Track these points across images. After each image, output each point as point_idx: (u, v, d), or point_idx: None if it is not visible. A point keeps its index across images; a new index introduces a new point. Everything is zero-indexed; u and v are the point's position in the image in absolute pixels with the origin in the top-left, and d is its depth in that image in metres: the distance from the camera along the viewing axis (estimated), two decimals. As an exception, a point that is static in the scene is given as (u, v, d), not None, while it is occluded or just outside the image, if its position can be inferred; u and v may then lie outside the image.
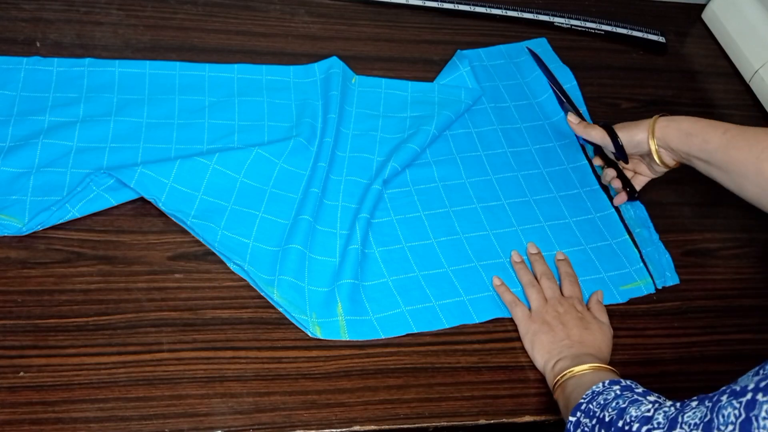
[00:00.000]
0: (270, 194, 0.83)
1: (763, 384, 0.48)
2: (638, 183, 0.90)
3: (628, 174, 0.91)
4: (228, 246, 0.77)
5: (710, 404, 0.52)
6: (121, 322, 0.71)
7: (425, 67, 1.01)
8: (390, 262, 0.81)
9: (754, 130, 0.75)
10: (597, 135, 0.87)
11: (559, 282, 0.82)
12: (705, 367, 0.81)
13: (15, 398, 0.65)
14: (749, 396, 0.48)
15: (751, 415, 0.48)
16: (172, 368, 0.70)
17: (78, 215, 0.76)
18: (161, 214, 0.79)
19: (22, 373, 0.67)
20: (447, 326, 0.78)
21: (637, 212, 0.91)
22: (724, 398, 0.51)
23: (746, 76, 1.11)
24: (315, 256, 0.79)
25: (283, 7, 1.03)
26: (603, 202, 0.91)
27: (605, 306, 0.81)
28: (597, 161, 0.94)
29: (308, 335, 0.74)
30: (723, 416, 0.50)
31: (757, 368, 0.53)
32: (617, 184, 0.90)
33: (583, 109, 1.00)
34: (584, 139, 0.91)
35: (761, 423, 0.47)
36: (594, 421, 0.62)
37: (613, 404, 0.61)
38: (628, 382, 0.65)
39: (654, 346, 0.81)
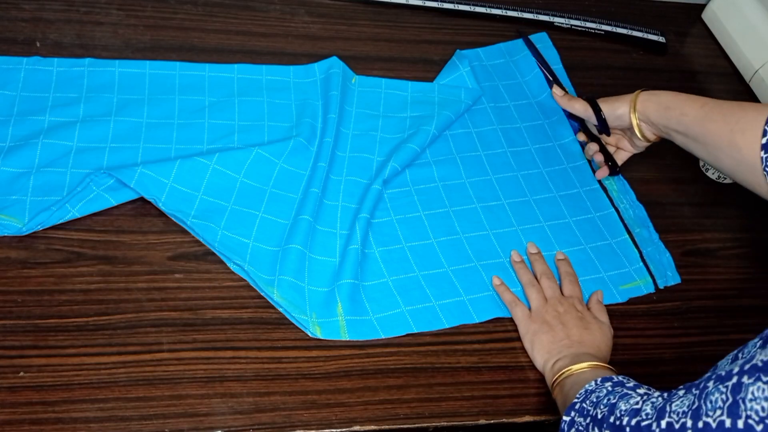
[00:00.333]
0: (270, 194, 0.83)
1: (747, 366, 0.48)
2: (620, 158, 0.93)
3: (611, 149, 0.94)
4: (228, 246, 0.77)
5: (697, 392, 0.52)
6: (121, 322, 0.71)
7: (425, 67, 1.01)
8: (390, 262, 0.81)
9: (730, 104, 0.76)
10: (580, 107, 0.91)
11: (559, 282, 0.82)
12: (705, 367, 0.80)
13: (15, 398, 0.65)
14: (734, 380, 0.49)
15: (738, 398, 0.48)
16: (172, 368, 0.70)
17: (78, 215, 0.76)
18: (161, 214, 0.79)
19: (22, 373, 0.67)
20: (447, 326, 0.78)
21: (636, 212, 0.91)
22: (710, 384, 0.51)
23: (746, 76, 1.11)
24: (315, 256, 0.79)
25: (283, 7, 1.03)
26: (603, 202, 0.91)
27: (605, 306, 0.81)
28: (581, 137, 0.96)
29: (308, 335, 0.74)
30: (711, 402, 0.50)
31: (735, 352, 0.54)
32: (599, 158, 0.93)
33: (570, 89, 1.01)
34: (569, 114, 0.94)
35: (748, 405, 0.47)
36: (588, 420, 0.62)
37: (605, 401, 0.61)
38: (620, 378, 0.65)
39: (654, 346, 0.81)
